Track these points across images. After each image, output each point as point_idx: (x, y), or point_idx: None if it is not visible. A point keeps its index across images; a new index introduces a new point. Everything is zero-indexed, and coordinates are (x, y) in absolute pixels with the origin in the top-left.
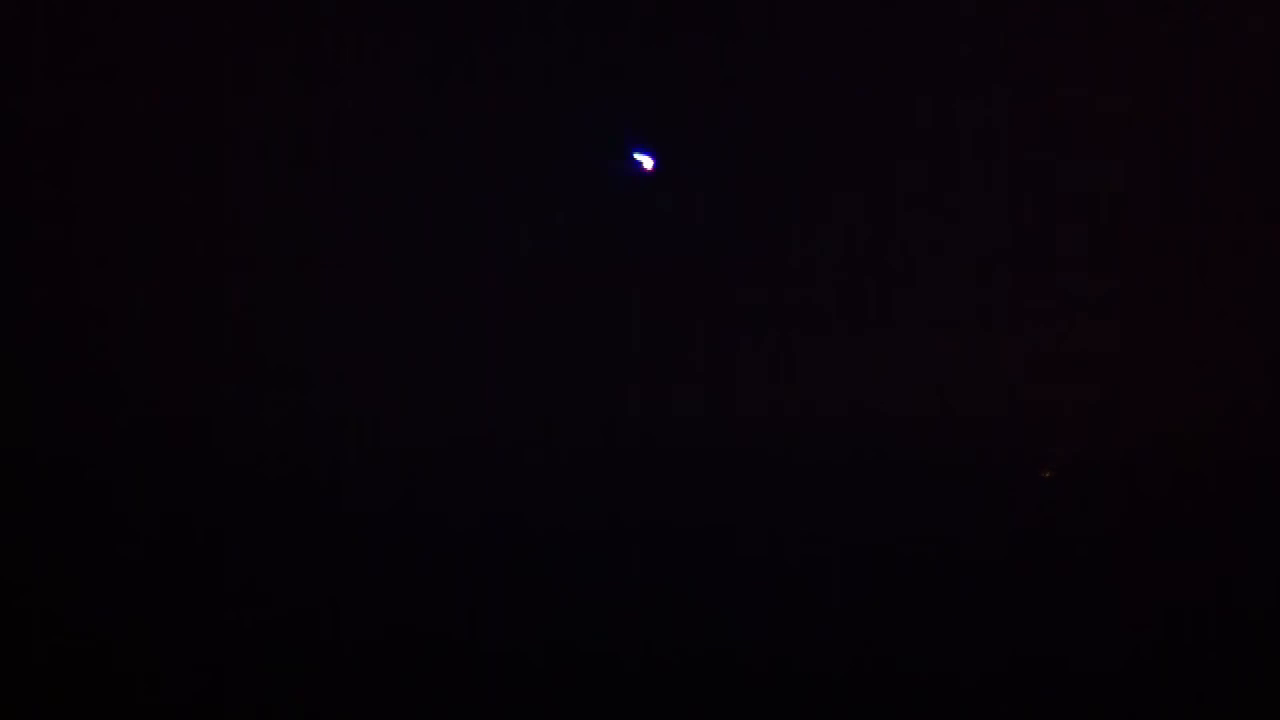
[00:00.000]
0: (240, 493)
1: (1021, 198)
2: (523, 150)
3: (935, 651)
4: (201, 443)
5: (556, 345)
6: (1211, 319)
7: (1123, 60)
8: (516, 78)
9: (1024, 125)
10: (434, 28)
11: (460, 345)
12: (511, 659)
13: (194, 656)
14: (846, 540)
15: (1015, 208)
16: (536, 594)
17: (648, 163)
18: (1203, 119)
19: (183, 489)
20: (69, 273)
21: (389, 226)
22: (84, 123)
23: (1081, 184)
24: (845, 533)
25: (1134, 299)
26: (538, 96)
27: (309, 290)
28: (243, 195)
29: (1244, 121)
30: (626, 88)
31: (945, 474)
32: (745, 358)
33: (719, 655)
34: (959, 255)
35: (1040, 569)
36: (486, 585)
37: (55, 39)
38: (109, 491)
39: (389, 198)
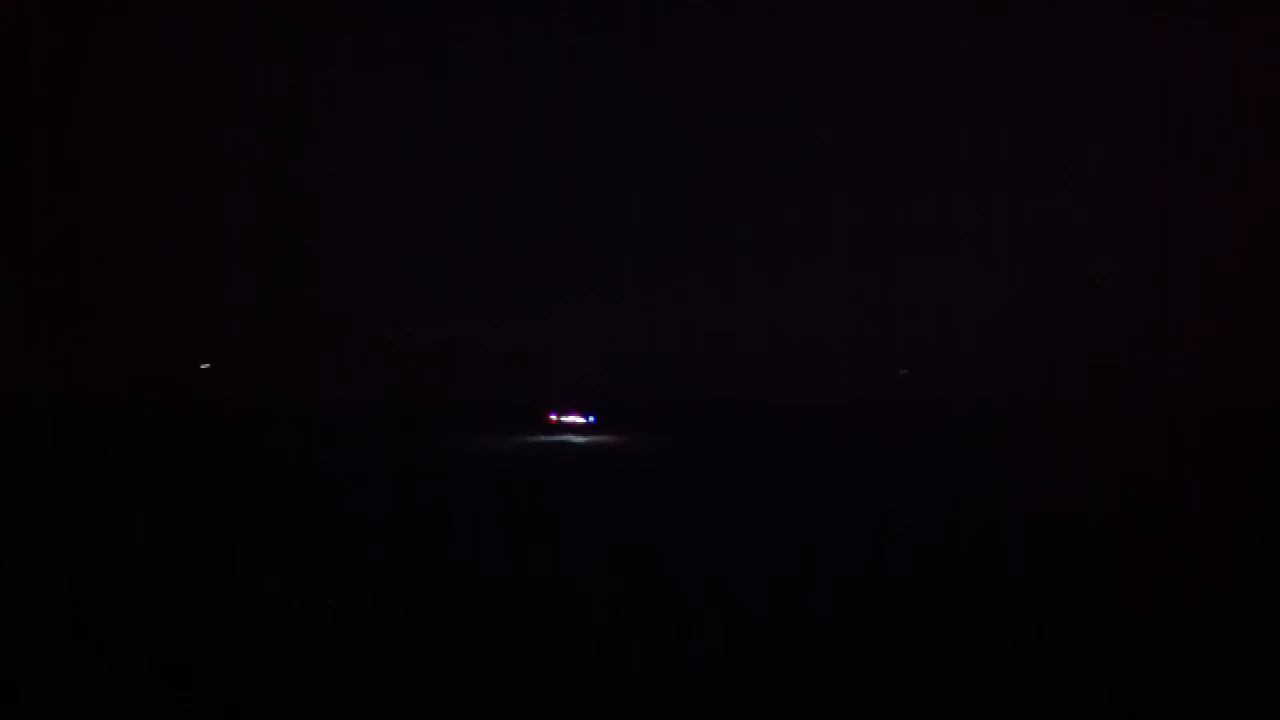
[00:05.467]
0: (240, 489)
1: (1021, 196)
2: (522, 150)
3: (936, 649)
4: (201, 440)
5: (556, 345)
6: (1211, 319)
7: (1122, 62)
8: (516, 79)
9: (1024, 125)
10: (434, 28)
11: (460, 345)
12: (509, 653)
13: (193, 649)
14: (846, 538)
15: (1015, 207)
16: (535, 589)
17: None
18: (1203, 119)
19: (182, 485)
20: (69, 271)
21: (389, 226)
22: (84, 123)
23: (1081, 183)
24: (845, 531)
25: (1135, 294)
26: (538, 97)
27: (309, 290)
28: (242, 195)
29: (1244, 122)
30: (626, 88)
31: (945, 471)
32: (745, 356)
33: (719, 654)
34: (958, 254)
35: (1041, 566)
36: (485, 580)
37: (55, 39)
38: (107, 489)
39: (389, 198)
